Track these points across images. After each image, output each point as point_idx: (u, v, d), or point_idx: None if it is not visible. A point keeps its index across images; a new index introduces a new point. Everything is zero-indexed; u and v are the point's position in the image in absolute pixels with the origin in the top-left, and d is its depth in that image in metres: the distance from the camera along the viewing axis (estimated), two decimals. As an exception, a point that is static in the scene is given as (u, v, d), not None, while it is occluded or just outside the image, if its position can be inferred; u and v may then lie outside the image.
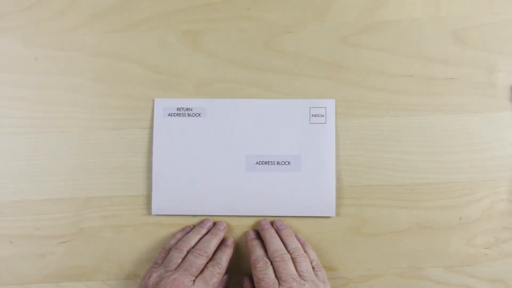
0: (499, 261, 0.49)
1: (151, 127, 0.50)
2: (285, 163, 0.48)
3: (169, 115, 0.48)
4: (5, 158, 0.49)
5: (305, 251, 0.46)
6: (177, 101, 0.49)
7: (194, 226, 0.49)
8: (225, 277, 0.48)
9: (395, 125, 0.50)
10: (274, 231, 0.47)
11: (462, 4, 0.50)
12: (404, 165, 0.50)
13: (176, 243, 0.46)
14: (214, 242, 0.46)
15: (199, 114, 0.48)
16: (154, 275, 0.43)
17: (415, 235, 0.49)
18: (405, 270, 0.49)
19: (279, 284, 0.42)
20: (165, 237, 0.49)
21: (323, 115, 0.48)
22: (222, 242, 0.48)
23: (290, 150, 0.48)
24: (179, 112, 0.48)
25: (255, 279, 0.43)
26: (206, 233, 0.48)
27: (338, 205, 0.49)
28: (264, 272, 0.43)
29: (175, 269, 0.43)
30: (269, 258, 0.44)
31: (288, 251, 0.45)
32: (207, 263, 0.44)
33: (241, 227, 0.49)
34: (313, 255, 0.47)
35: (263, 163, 0.48)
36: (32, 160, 0.49)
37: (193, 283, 0.42)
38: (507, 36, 0.50)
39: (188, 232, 0.48)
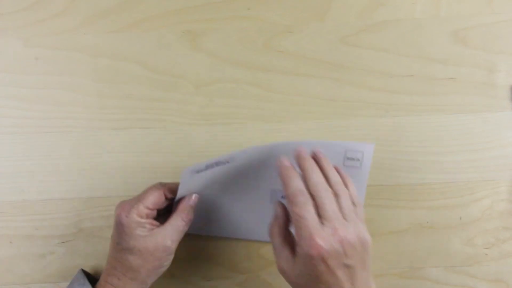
0: (499, 261, 0.49)
1: (151, 128, 0.50)
2: None
3: (197, 172, 0.45)
4: (5, 158, 0.49)
5: (345, 185, 0.41)
6: (205, 162, 0.44)
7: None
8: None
9: (395, 125, 0.50)
10: (314, 162, 0.41)
11: (462, 4, 0.50)
12: (404, 165, 0.49)
13: None
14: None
15: (227, 162, 0.44)
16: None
17: (415, 235, 0.49)
18: (405, 270, 0.49)
19: (322, 223, 0.37)
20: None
21: (358, 159, 0.45)
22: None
23: None
24: (207, 168, 0.45)
25: (293, 215, 0.38)
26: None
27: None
28: (305, 208, 0.37)
29: None
30: (309, 192, 0.38)
31: (330, 185, 0.39)
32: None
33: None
34: (353, 189, 0.41)
35: None
36: (32, 160, 0.49)
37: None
38: (507, 36, 0.50)
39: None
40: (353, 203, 0.40)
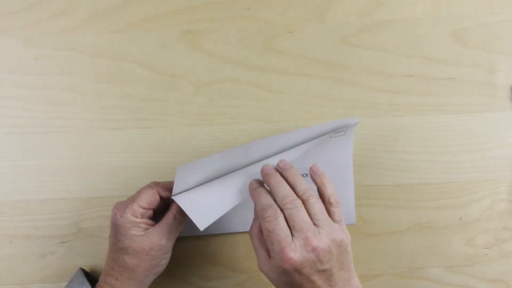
0: (499, 261, 0.49)
1: (151, 128, 0.50)
2: (304, 175, 0.47)
3: (192, 169, 0.45)
4: (5, 158, 0.49)
5: (321, 184, 0.41)
6: (199, 162, 0.45)
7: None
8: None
9: (395, 125, 0.50)
10: (280, 176, 0.41)
11: (462, 4, 0.50)
12: (404, 165, 0.50)
13: None
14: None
15: (223, 157, 0.45)
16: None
17: (415, 235, 0.49)
18: (405, 270, 0.49)
19: (292, 235, 0.37)
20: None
21: (344, 130, 0.45)
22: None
23: (309, 163, 0.46)
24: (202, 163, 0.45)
25: (264, 231, 0.38)
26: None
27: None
28: (274, 223, 0.37)
29: None
30: (278, 206, 0.39)
31: (297, 194, 0.39)
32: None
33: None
34: (330, 188, 0.41)
35: None
36: (32, 160, 0.49)
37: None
38: (507, 36, 0.50)
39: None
40: (330, 202, 0.40)
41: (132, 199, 0.43)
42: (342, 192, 0.47)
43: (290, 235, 0.37)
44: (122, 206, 0.43)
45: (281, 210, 0.38)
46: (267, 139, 0.45)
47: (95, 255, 0.49)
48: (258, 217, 0.40)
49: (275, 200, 0.39)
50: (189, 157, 0.50)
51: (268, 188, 0.41)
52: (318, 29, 0.50)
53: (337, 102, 0.50)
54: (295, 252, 0.36)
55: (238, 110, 0.50)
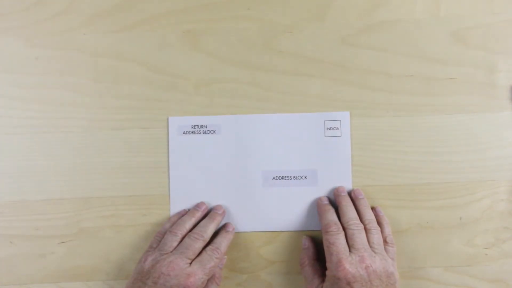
0: (499, 261, 0.49)
1: (151, 128, 0.50)
2: (301, 177, 0.48)
3: (184, 133, 0.48)
4: (5, 158, 0.49)
5: (380, 224, 0.46)
6: (191, 118, 0.49)
7: (189, 210, 0.48)
8: (223, 260, 0.47)
9: (395, 125, 0.50)
10: (350, 200, 0.47)
11: (462, 4, 0.50)
12: (404, 165, 0.50)
13: (171, 227, 0.46)
14: (211, 226, 0.46)
15: (213, 131, 0.48)
16: (150, 258, 0.43)
17: (415, 235, 0.49)
18: (405, 270, 0.49)
19: (350, 251, 0.42)
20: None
21: (338, 128, 0.48)
22: (223, 228, 0.48)
23: (306, 164, 0.48)
24: (193, 129, 0.48)
25: (325, 242, 0.43)
26: (202, 217, 0.47)
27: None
28: (336, 237, 0.43)
29: (171, 251, 0.43)
30: (342, 225, 0.44)
31: (362, 222, 0.45)
32: (205, 247, 0.44)
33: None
34: (388, 230, 0.46)
35: (280, 178, 0.48)
36: (32, 160, 0.49)
37: (190, 265, 0.42)
38: (507, 36, 0.50)
39: (183, 215, 0.47)
40: (386, 241, 0.44)
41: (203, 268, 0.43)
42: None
43: (348, 250, 0.42)
44: (197, 272, 0.42)
45: (344, 229, 0.44)
46: (258, 118, 0.48)
47: (95, 255, 0.49)
48: (322, 230, 0.44)
49: (339, 220, 0.45)
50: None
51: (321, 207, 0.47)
52: (318, 29, 0.50)
53: (337, 102, 0.50)
54: (350, 265, 0.40)
55: (238, 110, 0.50)
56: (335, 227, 0.44)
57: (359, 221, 0.44)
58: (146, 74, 0.50)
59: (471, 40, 0.50)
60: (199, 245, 0.44)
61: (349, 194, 0.48)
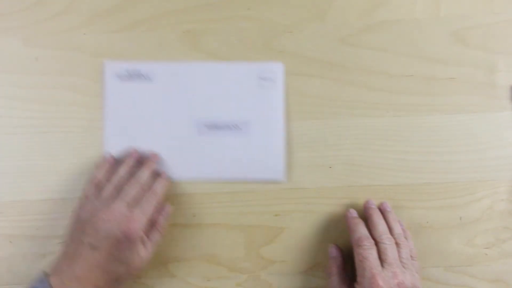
0: (499, 261, 0.49)
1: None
2: (235, 127, 0.48)
3: (119, 79, 0.48)
4: (5, 158, 0.49)
5: (405, 237, 0.46)
6: (127, 64, 0.49)
7: (117, 157, 0.49)
8: (166, 208, 0.47)
9: (395, 125, 0.50)
10: (380, 213, 0.47)
11: (462, 4, 0.50)
12: (404, 165, 0.50)
13: (104, 175, 0.46)
14: (146, 173, 0.46)
15: (149, 79, 0.48)
16: (87, 207, 0.43)
17: (415, 235, 0.49)
18: (405, 270, 0.49)
19: (382, 266, 0.42)
20: (165, 237, 0.49)
21: (272, 79, 0.48)
22: (158, 174, 0.48)
23: (240, 114, 0.49)
24: (129, 76, 0.48)
25: (357, 257, 0.43)
26: (136, 165, 0.47)
27: (337, 203, 0.49)
28: (369, 252, 0.43)
29: (110, 199, 0.43)
30: (373, 239, 0.44)
31: (392, 236, 0.45)
32: (143, 193, 0.45)
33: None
34: (411, 243, 0.47)
35: (214, 127, 0.49)
36: (32, 160, 0.49)
37: (129, 211, 0.42)
38: (507, 36, 0.50)
39: (112, 163, 0.48)
40: (411, 256, 0.45)
41: (140, 208, 0.43)
42: (270, 144, 0.49)
43: (381, 265, 0.42)
44: (138, 216, 0.43)
45: (376, 243, 0.44)
46: (194, 66, 0.49)
47: (95, 255, 0.49)
48: (353, 243, 0.44)
49: (369, 232, 0.45)
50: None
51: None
52: (318, 29, 0.50)
53: (337, 102, 0.50)
54: (383, 281, 0.41)
55: (238, 110, 0.50)
56: (368, 241, 0.43)
57: (390, 235, 0.44)
58: (146, 74, 0.50)
59: (471, 40, 0.50)
60: (137, 191, 0.44)
61: (377, 207, 0.48)
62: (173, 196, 0.49)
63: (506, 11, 0.50)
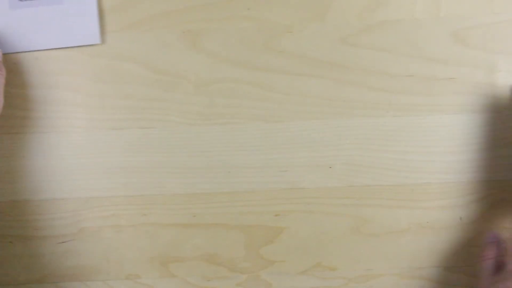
0: (499, 261, 0.49)
1: (150, 128, 0.50)
2: None
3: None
4: (5, 158, 0.49)
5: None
6: None
7: None
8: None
9: (395, 125, 0.50)
10: None
11: (462, 4, 0.50)
12: (404, 165, 0.50)
13: None
14: None
15: None
16: None
17: (415, 235, 0.49)
18: (405, 270, 0.49)
19: None
20: (165, 237, 0.49)
21: None
22: None
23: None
24: None
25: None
26: None
27: (337, 203, 0.49)
28: None
29: None
30: None
31: None
32: None
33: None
34: None
35: None
36: (32, 160, 0.49)
37: None
38: (507, 36, 0.50)
39: None
40: None
41: None
42: (85, 11, 0.49)
43: None
44: None
45: None
46: None
47: (95, 255, 0.49)
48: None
49: None
50: (189, 157, 0.50)
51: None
52: (318, 29, 0.50)
53: (337, 102, 0.50)
54: None
55: (238, 110, 0.50)
56: None
57: None
58: (146, 74, 0.50)
59: (471, 40, 0.50)
60: None
61: None
62: (173, 196, 0.49)
63: (506, 11, 0.50)
